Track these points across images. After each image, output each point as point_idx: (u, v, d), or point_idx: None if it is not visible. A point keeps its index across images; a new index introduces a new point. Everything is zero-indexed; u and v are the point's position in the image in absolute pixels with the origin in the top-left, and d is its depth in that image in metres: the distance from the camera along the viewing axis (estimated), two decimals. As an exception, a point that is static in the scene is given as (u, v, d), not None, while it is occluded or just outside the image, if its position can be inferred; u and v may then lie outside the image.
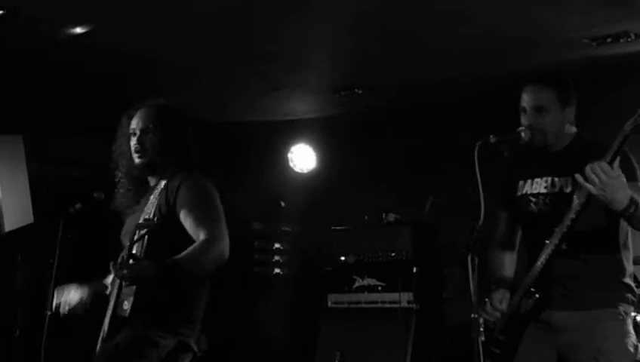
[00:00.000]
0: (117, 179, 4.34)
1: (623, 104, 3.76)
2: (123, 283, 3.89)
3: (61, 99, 7.27)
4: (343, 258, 7.49)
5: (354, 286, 7.33)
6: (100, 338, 4.03)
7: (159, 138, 4.15)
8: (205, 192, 4.06)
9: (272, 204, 8.64)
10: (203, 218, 3.94)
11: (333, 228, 7.67)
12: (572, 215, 3.78)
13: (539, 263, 3.93)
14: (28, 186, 6.74)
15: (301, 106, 7.98)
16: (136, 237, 3.83)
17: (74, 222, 5.27)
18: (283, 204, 8.67)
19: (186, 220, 3.97)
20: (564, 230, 3.82)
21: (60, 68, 6.56)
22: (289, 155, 8.51)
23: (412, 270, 7.00)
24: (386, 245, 7.29)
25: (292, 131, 8.44)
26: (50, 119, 7.73)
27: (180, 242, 3.91)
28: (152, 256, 3.91)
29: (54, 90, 7.06)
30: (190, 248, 3.86)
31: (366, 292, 7.25)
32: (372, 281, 7.24)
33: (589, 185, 3.58)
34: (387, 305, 7.09)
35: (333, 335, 7.22)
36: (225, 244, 3.89)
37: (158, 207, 4.05)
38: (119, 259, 3.86)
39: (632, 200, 3.58)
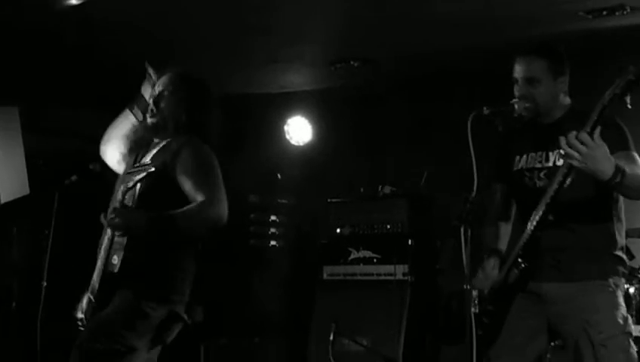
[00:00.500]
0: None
1: (618, 77, 3.75)
2: (115, 234, 3.92)
3: (57, 70, 7.26)
4: (338, 230, 7.51)
5: (349, 259, 7.35)
6: (89, 292, 4.06)
7: (173, 101, 4.20)
8: (206, 157, 4.08)
9: (269, 177, 8.64)
10: (203, 182, 3.97)
11: (329, 200, 7.68)
12: (555, 185, 3.80)
13: (525, 234, 3.95)
14: (24, 158, 6.75)
15: (297, 79, 7.97)
16: (130, 184, 3.86)
17: (70, 194, 5.29)
18: (279, 176, 8.68)
19: (185, 184, 3.99)
20: (548, 201, 3.83)
21: (56, 40, 6.55)
22: (285, 128, 8.50)
23: (407, 242, 7.03)
24: (382, 217, 7.31)
25: (288, 104, 8.43)
26: (46, 91, 7.73)
27: (170, 201, 3.93)
28: (143, 207, 3.96)
29: (50, 61, 7.05)
30: (188, 206, 3.91)
31: (361, 265, 7.28)
32: (367, 253, 7.26)
33: (569, 158, 3.60)
34: (382, 277, 7.12)
35: (328, 307, 7.24)
36: (223, 209, 3.92)
37: (155, 163, 4.05)
38: (111, 209, 3.89)
39: (617, 169, 3.58)
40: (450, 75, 7.40)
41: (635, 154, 3.89)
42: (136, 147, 4.37)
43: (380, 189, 7.47)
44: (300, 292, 7.90)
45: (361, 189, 7.64)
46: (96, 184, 4.61)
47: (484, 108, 4.00)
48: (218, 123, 4.32)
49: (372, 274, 7.20)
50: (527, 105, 4.04)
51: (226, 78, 7.80)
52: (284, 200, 8.66)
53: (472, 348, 3.87)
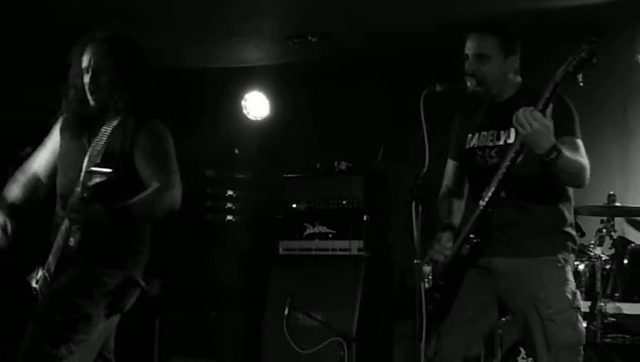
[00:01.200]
0: (63, 108, 4.23)
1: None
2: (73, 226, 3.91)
3: (10, 43, 7.19)
4: (294, 205, 7.53)
5: (305, 234, 7.36)
6: (40, 277, 4.05)
7: (115, 76, 4.03)
8: (163, 141, 4.07)
9: (226, 151, 8.64)
10: (159, 167, 3.98)
11: (285, 175, 7.69)
12: (507, 162, 3.84)
13: (477, 210, 4.00)
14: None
15: (255, 53, 7.95)
16: (90, 183, 3.77)
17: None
18: (236, 151, 8.67)
19: (141, 167, 3.99)
20: (500, 178, 3.88)
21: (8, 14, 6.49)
22: (243, 102, 8.50)
23: (362, 218, 7.06)
24: (338, 193, 7.33)
25: (246, 78, 8.41)
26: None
27: (130, 186, 3.94)
28: (100, 198, 3.88)
29: (4, 35, 6.97)
30: (143, 194, 3.92)
31: (317, 240, 7.29)
32: (323, 229, 7.27)
33: (519, 128, 3.65)
34: (338, 253, 7.14)
35: (283, 281, 7.26)
36: (177, 193, 3.95)
37: (111, 147, 3.96)
38: (71, 201, 3.85)
39: (554, 147, 3.64)
40: (406, 52, 7.43)
41: (580, 142, 3.96)
42: (81, 123, 4.19)
43: (336, 165, 7.48)
44: (257, 267, 7.92)
45: (317, 165, 7.65)
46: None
47: (437, 85, 4.03)
48: (153, 87, 4.19)
49: (327, 250, 7.22)
50: (477, 83, 4.07)
51: (184, 51, 7.78)
52: (241, 175, 8.67)
53: (421, 323, 3.91)
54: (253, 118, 8.51)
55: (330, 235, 7.23)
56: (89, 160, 3.91)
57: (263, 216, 8.20)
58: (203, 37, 7.38)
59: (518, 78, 4.18)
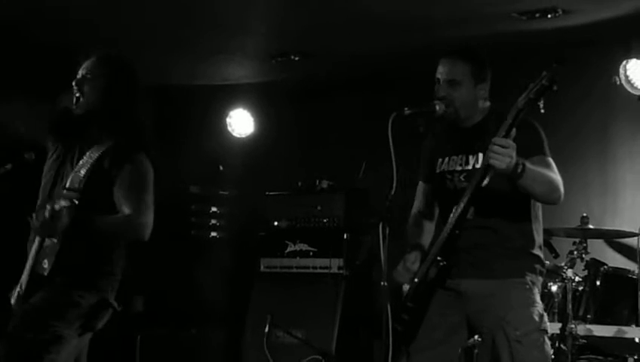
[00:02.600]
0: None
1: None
2: (45, 239, 3.95)
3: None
4: (276, 223, 7.57)
5: (286, 251, 7.41)
6: (15, 294, 4.07)
7: (96, 87, 4.12)
8: (145, 175, 4.10)
9: (210, 168, 8.66)
10: (134, 198, 4.00)
11: (267, 193, 7.73)
12: (473, 185, 3.87)
13: (444, 233, 4.03)
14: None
15: (240, 71, 7.99)
16: (57, 208, 3.82)
17: (4, 183, 5.27)
18: (221, 168, 8.70)
19: (117, 196, 4.02)
20: (466, 200, 3.91)
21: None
22: (227, 120, 8.54)
23: (343, 236, 7.10)
24: (319, 211, 7.38)
25: (231, 96, 8.45)
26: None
27: (105, 210, 3.99)
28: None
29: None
30: (113, 216, 3.97)
31: (298, 258, 7.34)
32: (304, 246, 7.32)
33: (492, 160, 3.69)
34: (318, 271, 7.20)
35: (264, 298, 7.30)
36: (146, 226, 3.97)
37: (93, 172, 4.04)
38: (39, 216, 3.85)
39: (517, 162, 3.67)
40: (388, 72, 7.48)
41: (550, 160, 4.00)
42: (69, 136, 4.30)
43: (317, 183, 7.53)
44: (240, 283, 7.93)
45: (299, 183, 7.69)
46: (31, 173, 4.60)
47: (405, 108, 4.05)
48: (149, 111, 4.32)
49: (308, 267, 7.27)
50: (446, 106, 4.10)
51: (169, 69, 7.80)
52: (225, 192, 8.69)
53: (387, 343, 3.94)
54: (238, 135, 8.56)
55: (311, 253, 7.27)
56: (70, 183, 4.02)
57: (246, 233, 8.23)
58: (188, 54, 7.41)
59: (487, 103, 4.20)
